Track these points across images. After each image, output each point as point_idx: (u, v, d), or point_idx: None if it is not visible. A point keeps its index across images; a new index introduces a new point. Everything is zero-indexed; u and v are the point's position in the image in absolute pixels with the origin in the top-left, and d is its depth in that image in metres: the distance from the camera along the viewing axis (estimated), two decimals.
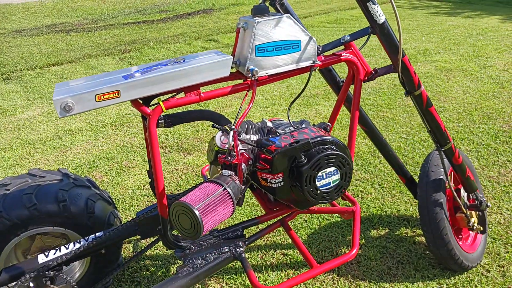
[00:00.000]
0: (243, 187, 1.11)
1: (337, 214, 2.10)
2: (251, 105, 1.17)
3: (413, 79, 1.37)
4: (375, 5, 1.24)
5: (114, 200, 2.33)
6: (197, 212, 0.93)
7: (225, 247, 1.23)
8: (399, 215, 2.08)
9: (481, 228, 1.68)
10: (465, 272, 1.71)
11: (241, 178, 1.09)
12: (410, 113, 3.37)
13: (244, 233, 1.28)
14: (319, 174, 1.18)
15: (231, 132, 1.10)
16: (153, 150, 1.14)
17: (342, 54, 1.33)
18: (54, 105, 1.02)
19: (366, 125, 1.59)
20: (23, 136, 3.35)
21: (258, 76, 1.19)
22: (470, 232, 1.79)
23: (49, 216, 1.43)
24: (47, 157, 2.92)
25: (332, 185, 1.21)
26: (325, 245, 1.90)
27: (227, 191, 1.00)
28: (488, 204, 1.70)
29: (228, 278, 1.70)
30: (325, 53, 1.41)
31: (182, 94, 1.18)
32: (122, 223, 1.71)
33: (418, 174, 1.82)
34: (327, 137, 1.22)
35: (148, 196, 2.37)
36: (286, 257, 1.82)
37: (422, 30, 7.03)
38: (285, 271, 1.74)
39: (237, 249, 1.23)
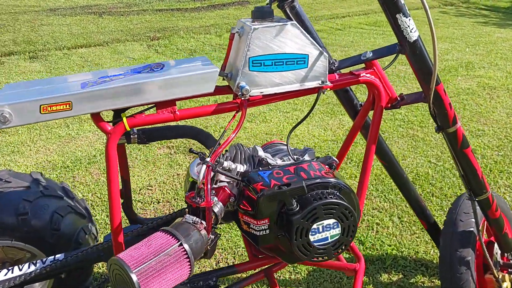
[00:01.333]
0: (213, 237, 0.88)
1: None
2: (237, 130, 0.94)
3: (447, 113, 1.10)
4: (406, 17, 0.98)
5: (105, 202, 2.16)
6: (134, 278, 0.71)
7: None
8: (417, 258, 1.80)
9: None
10: None
11: (209, 226, 0.86)
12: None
13: (217, 283, 1.05)
14: (314, 226, 0.94)
15: (203, 167, 0.87)
16: (110, 173, 0.93)
17: (361, 74, 1.08)
18: None
19: (385, 159, 1.33)
20: None
21: (249, 96, 0.95)
22: None
23: (6, 229, 1.25)
24: (49, 146, 2.79)
25: (329, 240, 0.97)
26: (326, 286, 1.65)
27: (183, 247, 0.78)
28: None
29: None
30: (343, 70, 1.16)
31: (153, 110, 0.96)
32: (97, 239, 1.52)
33: (445, 216, 1.53)
34: (330, 179, 0.97)
35: (141, 203, 2.18)
36: None
37: (467, 41, 6.56)
38: None
39: None
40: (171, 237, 0.79)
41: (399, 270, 1.75)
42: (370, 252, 1.84)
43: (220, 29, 7.39)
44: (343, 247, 0.99)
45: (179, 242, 0.78)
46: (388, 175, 2.48)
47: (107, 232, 1.93)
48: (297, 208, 0.92)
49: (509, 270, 1.41)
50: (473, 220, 1.36)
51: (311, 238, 0.95)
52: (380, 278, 1.71)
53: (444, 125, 1.13)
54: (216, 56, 5.67)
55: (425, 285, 1.68)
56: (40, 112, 0.85)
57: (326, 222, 0.94)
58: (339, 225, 0.96)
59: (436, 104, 1.10)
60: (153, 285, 0.73)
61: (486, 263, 1.43)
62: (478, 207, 1.31)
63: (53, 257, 1.24)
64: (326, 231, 0.95)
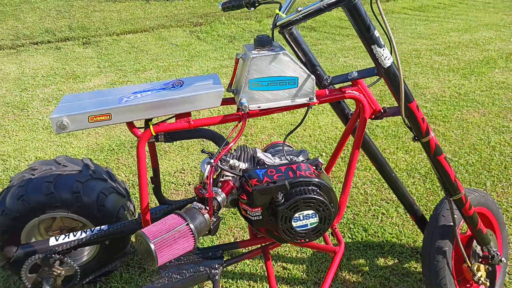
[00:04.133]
0: (214, 219, 1.15)
1: (348, 234, 2.06)
2: (237, 138, 1.18)
3: (420, 126, 1.28)
4: (381, 48, 1.16)
5: None
6: (152, 246, 0.99)
7: (201, 267, 1.29)
8: (413, 247, 2.00)
9: (488, 283, 1.56)
10: None
11: (211, 212, 1.13)
12: (466, 129, 3.13)
13: (223, 255, 1.33)
14: (296, 215, 1.18)
15: (208, 166, 1.13)
16: (140, 168, 1.21)
17: (347, 91, 1.28)
18: (51, 122, 1.12)
19: (376, 162, 1.53)
20: None
21: (249, 110, 1.19)
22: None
23: (64, 204, 1.59)
24: (98, 130, 3.17)
25: (309, 227, 1.21)
26: (327, 265, 1.89)
27: (189, 226, 1.05)
28: (502, 259, 1.57)
29: None
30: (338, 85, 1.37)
31: (173, 119, 1.23)
32: (134, 215, 1.84)
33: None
34: (312, 179, 1.20)
35: (175, 184, 2.50)
36: (259, 281, 1.84)
37: None
38: None
39: (212, 271, 1.28)
40: (181, 218, 1.06)
41: (396, 256, 1.95)
42: (371, 239, 2.05)
43: (261, 15, 7.55)
44: (321, 233, 1.22)
45: (186, 223, 1.05)
46: (402, 169, 2.65)
47: None
48: (282, 200, 1.17)
49: (484, 261, 1.58)
50: (455, 216, 1.54)
51: (294, 224, 1.19)
52: (377, 261, 1.92)
53: (418, 136, 1.31)
54: None
55: (417, 270, 1.87)
56: (88, 121, 1.14)
57: (305, 212, 1.18)
58: (317, 215, 1.19)
59: (410, 118, 1.28)
60: (165, 252, 1.01)
61: (467, 254, 1.61)
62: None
63: (99, 227, 1.56)
64: (306, 219, 1.20)
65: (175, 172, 2.61)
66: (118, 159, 2.77)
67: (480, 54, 5.02)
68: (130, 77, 4.41)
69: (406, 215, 2.21)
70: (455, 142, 2.95)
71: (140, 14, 7.34)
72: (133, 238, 2.06)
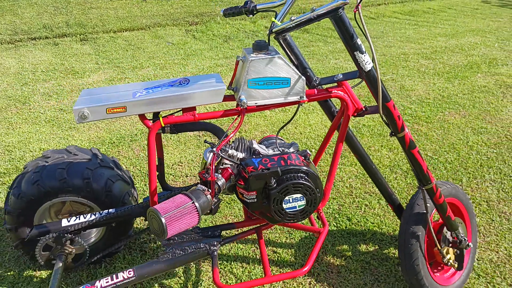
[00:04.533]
0: (215, 200, 1.31)
1: (333, 223, 2.25)
2: (236, 131, 1.35)
3: (396, 123, 1.47)
4: (362, 54, 1.34)
5: (144, 174, 2.65)
6: (163, 220, 1.16)
7: (202, 244, 1.46)
8: (393, 235, 2.18)
9: (456, 265, 1.75)
10: None
11: (212, 193, 1.29)
12: (447, 130, 3.33)
13: (221, 234, 1.49)
14: (286, 198, 1.35)
15: (211, 154, 1.30)
16: (150, 155, 1.37)
17: (333, 91, 1.46)
18: (73, 113, 1.28)
19: (358, 153, 1.71)
20: None
21: (247, 106, 1.36)
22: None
23: (75, 189, 1.74)
24: (99, 124, 3.31)
25: (297, 209, 1.38)
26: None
27: (195, 205, 1.21)
28: (469, 244, 1.76)
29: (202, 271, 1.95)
30: (326, 86, 1.54)
31: (180, 112, 1.39)
32: (137, 201, 1.99)
33: None
34: (301, 167, 1.37)
35: (173, 176, 2.66)
36: (252, 263, 2.01)
37: (499, 35, 6.58)
38: (246, 274, 1.93)
39: (212, 247, 1.45)
40: (187, 197, 1.23)
41: (376, 243, 2.14)
42: (355, 227, 2.23)
43: (255, 16, 7.71)
44: (307, 214, 1.40)
45: (192, 201, 1.22)
46: (385, 165, 2.84)
47: (145, 196, 2.42)
48: (275, 185, 1.34)
49: (453, 245, 1.77)
50: (428, 204, 1.73)
51: (284, 206, 1.36)
52: (359, 247, 2.10)
53: (394, 132, 1.49)
54: (248, 43, 6.04)
55: (395, 255, 2.06)
56: (106, 113, 1.30)
57: (294, 196, 1.36)
58: (304, 198, 1.37)
59: (387, 116, 1.46)
60: (174, 225, 1.17)
61: (438, 238, 1.80)
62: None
63: (107, 210, 1.72)
64: (295, 202, 1.37)
65: (173, 165, 2.77)
66: (118, 151, 2.92)
67: (464, 59, 5.25)
68: (128, 74, 4.55)
69: (387, 207, 2.39)
70: (436, 142, 3.15)
71: (136, 12, 7.45)
72: (136, 222, 2.22)
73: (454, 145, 3.10)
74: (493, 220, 2.32)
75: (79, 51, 5.50)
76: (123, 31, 6.58)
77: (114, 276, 1.39)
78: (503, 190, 2.59)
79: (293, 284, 1.86)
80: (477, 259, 2.05)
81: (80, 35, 6.26)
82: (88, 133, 3.18)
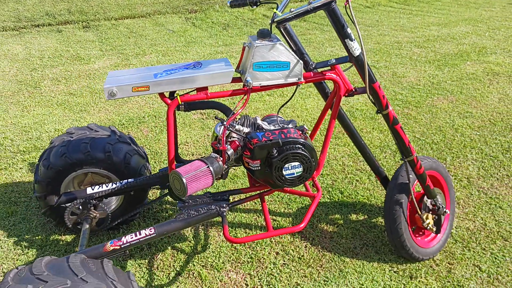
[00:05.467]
0: (226, 166, 1.54)
1: (327, 196, 2.48)
2: (243, 108, 1.57)
3: (381, 101, 1.69)
4: (352, 41, 1.55)
5: (153, 152, 2.87)
6: (184, 180, 1.37)
7: (213, 206, 1.68)
8: (381, 206, 2.42)
9: (434, 229, 1.99)
10: (417, 262, 2.05)
11: (224, 160, 1.52)
12: (434, 114, 3.56)
13: (229, 198, 1.72)
14: (286, 165, 1.58)
15: (222, 127, 1.52)
16: (168, 128, 1.59)
17: (326, 74, 1.67)
18: (104, 91, 1.49)
19: (348, 130, 1.93)
20: (92, 85, 3.98)
21: (252, 86, 1.58)
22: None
23: (98, 161, 1.96)
24: (108, 107, 3.51)
25: (295, 175, 1.61)
26: (310, 219, 2.31)
27: (209, 168, 1.44)
28: (446, 210, 2.00)
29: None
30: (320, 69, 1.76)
31: (194, 91, 1.61)
32: (151, 173, 2.22)
33: None
34: (298, 139, 1.59)
35: (180, 154, 2.87)
36: (256, 221, 2.26)
37: (490, 24, 6.78)
38: (251, 230, 2.17)
39: (221, 209, 1.68)
40: (203, 162, 1.45)
41: (365, 213, 2.37)
42: (346, 199, 2.47)
43: None
44: (304, 180, 1.62)
45: (207, 165, 1.44)
46: (376, 146, 3.07)
47: (155, 172, 2.64)
48: (276, 154, 1.56)
49: (432, 212, 2.01)
50: (410, 176, 1.96)
51: (284, 172, 1.59)
52: (350, 217, 2.34)
53: (380, 109, 1.72)
54: (247, 31, 6.22)
55: (382, 224, 2.30)
56: (132, 91, 1.51)
57: (293, 163, 1.58)
58: (301, 166, 1.59)
59: (374, 96, 1.68)
60: (193, 185, 1.39)
61: (418, 206, 2.04)
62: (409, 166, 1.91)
63: (126, 180, 1.94)
64: (293, 169, 1.59)
65: (180, 144, 2.99)
66: (128, 132, 3.13)
67: (455, 48, 5.46)
68: (132, 61, 4.73)
69: (376, 182, 2.63)
70: (424, 125, 3.39)
71: (137, 0, 7.58)
72: (152, 194, 2.44)
73: (440, 128, 3.33)
74: (472, 194, 2.57)
75: (82, 38, 5.66)
76: (124, 19, 6.73)
77: (137, 233, 1.61)
78: (483, 168, 2.83)
79: (290, 246, 2.10)
80: (455, 227, 2.29)
81: (82, 22, 6.41)
82: (98, 115, 3.38)
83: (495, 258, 2.08)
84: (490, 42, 5.78)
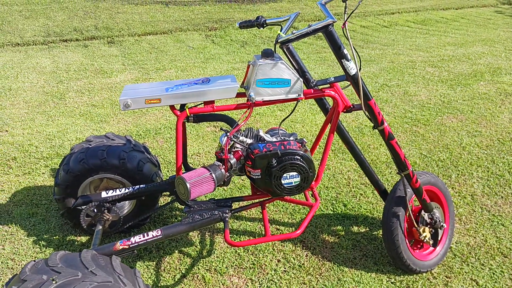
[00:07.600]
0: (228, 174, 1.66)
1: (330, 208, 2.57)
2: (246, 121, 1.69)
3: (377, 118, 1.79)
4: (348, 61, 1.67)
5: (166, 162, 3.02)
6: (188, 185, 1.50)
7: (216, 211, 1.80)
8: None
9: (431, 242, 2.05)
10: (414, 274, 2.11)
11: (226, 168, 1.64)
12: (443, 132, 3.61)
13: (232, 205, 1.84)
14: (284, 175, 1.69)
15: (225, 138, 1.65)
16: (177, 138, 1.73)
17: (326, 91, 1.79)
18: (119, 102, 1.64)
19: (348, 144, 2.03)
20: (113, 97, 4.19)
21: (255, 101, 1.70)
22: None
23: (113, 168, 2.11)
24: (127, 119, 3.70)
25: (293, 184, 1.71)
26: (311, 229, 2.40)
27: (212, 175, 1.56)
28: (444, 224, 2.06)
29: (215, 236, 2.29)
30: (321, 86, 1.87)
31: (202, 104, 1.75)
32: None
33: None
34: (297, 151, 1.71)
35: (191, 164, 3.01)
36: (258, 227, 2.36)
37: (507, 45, 6.79)
38: (252, 236, 2.27)
39: (224, 214, 1.80)
40: (206, 169, 1.58)
41: (367, 226, 2.45)
42: (349, 212, 2.55)
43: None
44: (302, 190, 1.73)
45: (210, 172, 1.56)
46: (382, 162, 3.12)
47: None
48: (275, 164, 1.68)
49: (429, 225, 2.08)
50: (408, 190, 2.04)
51: (282, 181, 1.70)
52: (351, 229, 2.42)
53: (376, 125, 1.82)
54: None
55: None
56: (145, 103, 1.66)
57: (291, 173, 1.69)
58: (299, 176, 1.70)
59: (369, 112, 1.78)
60: (196, 190, 1.52)
61: (416, 219, 2.11)
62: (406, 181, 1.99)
63: (139, 185, 2.08)
64: (291, 178, 1.70)
65: (192, 155, 3.13)
66: (144, 142, 3.29)
67: (469, 68, 5.50)
68: (152, 75, 4.95)
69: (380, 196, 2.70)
70: (432, 142, 3.44)
71: (159, 17, 7.90)
72: (163, 200, 2.58)
73: (447, 146, 3.38)
74: (474, 211, 2.61)
75: (106, 53, 5.94)
76: (147, 35, 7.02)
77: (145, 234, 1.74)
78: (488, 186, 2.87)
79: (291, 255, 2.19)
80: (455, 242, 2.34)
81: (107, 37, 6.71)
82: (117, 126, 3.57)
83: (493, 274, 2.13)
84: (506, 62, 5.79)
